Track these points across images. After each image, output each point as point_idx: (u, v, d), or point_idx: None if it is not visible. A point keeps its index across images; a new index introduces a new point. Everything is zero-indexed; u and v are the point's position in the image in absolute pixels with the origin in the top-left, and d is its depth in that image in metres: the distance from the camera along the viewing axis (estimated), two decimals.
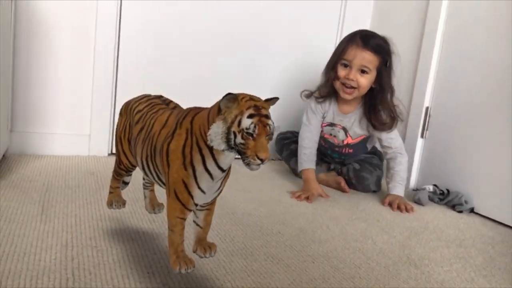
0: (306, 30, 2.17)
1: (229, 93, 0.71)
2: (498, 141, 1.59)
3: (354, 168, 1.78)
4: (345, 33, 1.80)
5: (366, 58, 1.62)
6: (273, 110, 0.76)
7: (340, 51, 1.67)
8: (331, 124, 1.79)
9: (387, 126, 1.68)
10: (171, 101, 0.96)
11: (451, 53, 1.81)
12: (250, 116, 0.70)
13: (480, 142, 1.67)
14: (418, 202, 1.68)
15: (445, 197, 1.71)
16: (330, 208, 1.51)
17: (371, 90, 1.69)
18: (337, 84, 1.69)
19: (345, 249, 1.16)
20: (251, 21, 2.06)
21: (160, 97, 0.96)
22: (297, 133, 1.87)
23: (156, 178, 0.86)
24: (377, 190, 1.79)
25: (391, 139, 1.72)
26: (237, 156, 0.73)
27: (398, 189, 1.66)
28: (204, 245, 0.85)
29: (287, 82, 2.17)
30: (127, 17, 1.85)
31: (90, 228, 1.11)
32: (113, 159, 1.80)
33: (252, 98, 0.72)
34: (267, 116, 0.71)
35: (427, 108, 1.90)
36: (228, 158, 0.75)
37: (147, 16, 1.89)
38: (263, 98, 0.75)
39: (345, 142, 1.80)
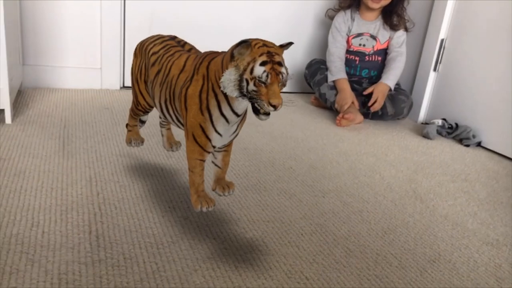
0: None
1: (243, 40, 0.70)
2: (508, 77, 1.58)
3: (390, 94, 1.85)
4: None
5: None
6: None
7: None
8: (359, 34, 1.92)
9: (401, 26, 1.88)
10: (186, 43, 0.95)
11: None
12: (262, 64, 0.69)
13: (491, 78, 1.65)
14: (426, 136, 1.71)
15: (453, 131, 1.73)
16: (339, 143, 1.55)
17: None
18: None
19: (354, 184, 1.22)
20: None
21: (174, 38, 0.96)
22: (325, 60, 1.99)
23: (176, 120, 0.88)
24: (406, 115, 1.89)
25: (399, 37, 1.89)
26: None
27: (389, 81, 1.83)
28: (222, 184, 0.88)
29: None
30: None
31: (111, 164, 1.16)
32: (125, 93, 1.84)
33: (265, 44, 0.72)
34: (280, 63, 0.71)
35: (442, 40, 1.85)
36: (243, 103, 0.77)
37: None
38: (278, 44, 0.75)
39: (375, 49, 1.92)
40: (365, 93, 1.84)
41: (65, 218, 0.88)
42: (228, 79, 0.72)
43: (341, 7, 1.93)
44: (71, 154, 1.19)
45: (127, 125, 1.10)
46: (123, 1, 1.81)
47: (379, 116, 1.85)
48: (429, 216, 1.08)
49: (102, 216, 0.91)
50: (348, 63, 1.93)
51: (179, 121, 0.88)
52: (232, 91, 0.72)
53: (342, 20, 1.92)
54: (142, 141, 1.10)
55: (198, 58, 0.82)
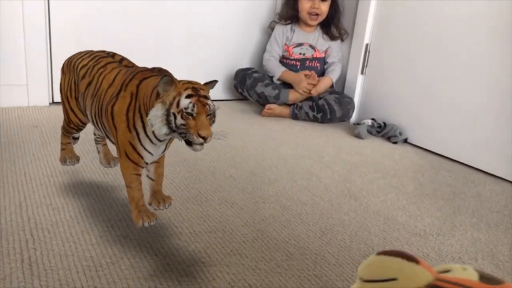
0: None
1: (165, 75, 0.71)
2: (429, 77, 1.71)
3: (335, 97, 1.96)
4: None
5: None
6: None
7: None
8: (299, 44, 2.06)
9: (338, 38, 2.07)
10: (115, 53, 0.94)
11: None
12: (188, 96, 0.71)
13: (413, 79, 1.78)
14: (358, 136, 1.80)
15: (382, 130, 1.84)
16: (278, 148, 1.59)
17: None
18: (304, 15, 2.02)
19: (293, 188, 1.26)
20: None
21: (103, 51, 0.94)
22: (251, 67, 2.13)
23: (106, 134, 0.88)
24: (351, 116, 2.02)
25: (336, 47, 2.07)
26: None
27: (331, 75, 2.02)
28: (158, 198, 0.89)
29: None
30: None
31: (43, 186, 1.11)
32: (54, 109, 1.76)
33: (189, 81, 0.74)
34: (206, 97, 0.72)
35: (367, 45, 1.96)
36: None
37: None
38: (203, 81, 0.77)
39: (314, 56, 2.08)
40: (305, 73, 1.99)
41: None
42: (155, 115, 0.72)
43: (286, 21, 2.07)
44: None
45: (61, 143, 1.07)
46: (47, 14, 1.74)
47: (328, 119, 1.95)
48: (362, 213, 1.15)
49: (35, 242, 0.87)
50: (289, 68, 2.05)
51: (108, 136, 0.87)
52: (160, 128, 0.72)
53: (282, 30, 2.08)
54: (78, 159, 1.08)
55: (129, 73, 0.81)
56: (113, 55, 0.93)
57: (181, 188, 1.18)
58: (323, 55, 2.08)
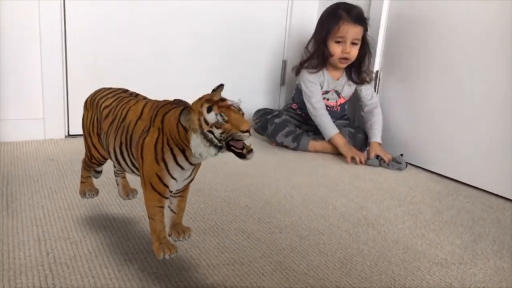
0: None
1: (182, 109, 0.73)
2: (441, 102, 1.71)
3: (349, 131, 1.94)
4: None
5: (357, 32, 1.86)
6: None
7: (331, 29, 1.86)
8: (326, 92, 2.00)
9: (367, 81, 1.97)
10: (138, 94, 0.96)
11: (398, 22, 1.88)
12: (209, 109, 0.71)
13: (425, 103, 1.78)
14: (371, 164, 1.79)
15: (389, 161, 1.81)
16: (292, 177, 1.58)
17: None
18: (334, 59, 1.91)
19: (309, 217, 1.25)
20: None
21: (126, 91, 0.97)
22: (272, 109, 2.06)
23: (130, 165, 0.88)
24: (364, 150, 1.95)
25: (367, 89, 1.97)
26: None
27: (377, 137, 1.89)
28: (178, 229, 0.90)
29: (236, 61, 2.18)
30: None
31: (60, 219, 1.11)
32: (71, 141, 1.79)
33: (199, 98, 0.75)
34: (222, 99, 0.73)
35: (377, 72, 1.98)
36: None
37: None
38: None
39: (338, 103, 2.03)
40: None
41: (13, 284, 0.83)
42: (196, 145, 0.73)
43: (313, 68, 1.95)
44: (16, 212, 1.14)
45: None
46: (64, 48, 1.79)
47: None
48: (381, 242, 1.13)
49: (54, 277, 0.87)
50: (306, 114, 2.01)
51: (134, 165, 0.88)
52: (208, 152, 0.73)
53: (316, 75, 1.96)
54: (97, 192, 1.09)
55: (154, 108, 0.83)
56: (136, 95, 0.95)
57: (197, 219, 1.17)
58: (346, 100, 2.04)
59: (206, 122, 0.71)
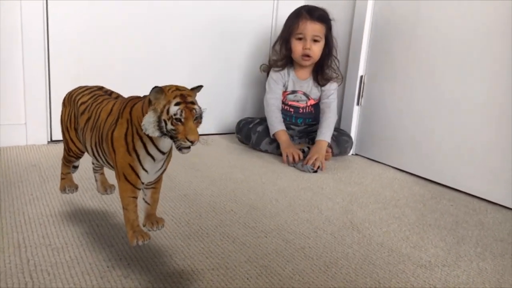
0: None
1: (156, 86, 0.78)
2: (426, 106, 1.73)
3: (333, 134, 1.93)
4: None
5: (316, 28, 1.88)
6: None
7: (292, 27, 1.90)
8: (293, 92, 2.00)
9: (329, 80, 1.97)
10: (112, 92, 1.02)
11: (382, 26, 1.90)
12: (176, 104, 0.77)
13: (410, 107, 1.80)
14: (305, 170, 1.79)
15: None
16: (278, 181, 1.58)
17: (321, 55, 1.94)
18: (296, 56, 1.93)
19: (294, 221, 1.25)
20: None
21: (101, 88, 1.03)
22: (253, 118, 2.09)
23: (105, 161, 0.94)
24: (348, 153, 2.00)
25: (328, 90, 1.98)
26: None
27: (324, 136, 1.88)
28: (152, 220, 0.94)
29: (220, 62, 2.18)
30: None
31: (41, 226, 1.09)
32: (53, 147, 1.76)
33: (178, 88, 0.80)
34: (193, 103, 0.79)
35: (361, 77, 2.00)
36: (167, 142, 0.84)
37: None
38: (190, 87, 0.83)
39: (308, 104, 2.02)
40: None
41: None
42: (148, 122, 0.79)
43: (279, 66, 1.98)
44: None
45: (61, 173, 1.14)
46: (47, 53, 1.77)
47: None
48: (366, 245, 1.13)
49: (34, 285, 0.85)
50: (284, 112, 2.01)
51: (108, 162, 0.93)
52: (153, 132, 0.79)
53: (280, 74, 1.98)
54: (76, 187, 1.14)
55: (122, 102, 0.89)
56: (110, 93, 1.01)
57: (182, 224, 1.16)
58: (317, 101, 2.02)
59: (168, 112, 0.77)
